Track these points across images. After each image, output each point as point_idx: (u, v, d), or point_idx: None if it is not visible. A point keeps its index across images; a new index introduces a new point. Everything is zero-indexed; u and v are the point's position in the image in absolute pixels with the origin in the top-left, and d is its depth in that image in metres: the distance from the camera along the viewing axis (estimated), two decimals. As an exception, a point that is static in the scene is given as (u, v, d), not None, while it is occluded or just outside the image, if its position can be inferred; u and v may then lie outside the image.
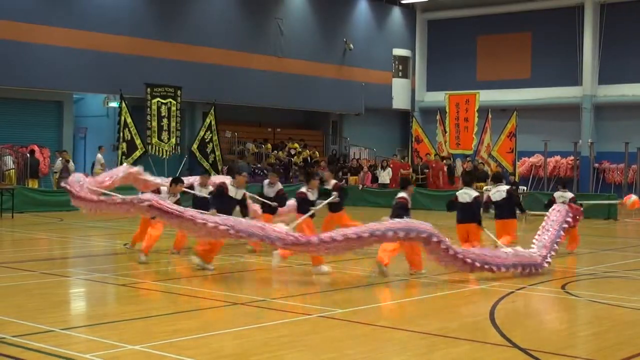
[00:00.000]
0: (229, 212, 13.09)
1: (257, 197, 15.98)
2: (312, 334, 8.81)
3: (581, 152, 34.76)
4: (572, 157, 35.06)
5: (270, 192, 16.03)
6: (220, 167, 31.56)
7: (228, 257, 14.77)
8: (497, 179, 16.03)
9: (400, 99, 41.30)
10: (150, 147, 28.71)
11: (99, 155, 28.66)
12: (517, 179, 28.78)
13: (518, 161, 31.41)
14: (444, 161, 31.65)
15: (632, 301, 10.93)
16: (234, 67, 33.62)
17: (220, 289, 11.55)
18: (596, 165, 35.65)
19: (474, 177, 15.84)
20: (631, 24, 36.58)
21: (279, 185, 16.29)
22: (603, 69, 37.33)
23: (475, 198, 14.05)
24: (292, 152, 36.13)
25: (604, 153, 36.15)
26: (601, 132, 36.66)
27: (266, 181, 16.62)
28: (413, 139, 33.66)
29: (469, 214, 14.02)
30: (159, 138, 29.00)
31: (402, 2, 41.12)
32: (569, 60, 37.72)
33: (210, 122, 30.95)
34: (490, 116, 30.67)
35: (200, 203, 14.43)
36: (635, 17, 36.56)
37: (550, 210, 14.86)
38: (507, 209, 15.16)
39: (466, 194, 14.18)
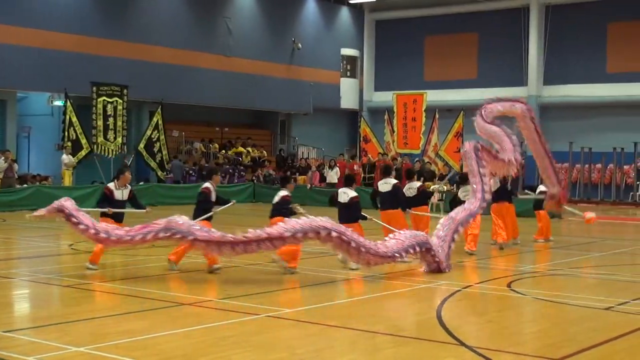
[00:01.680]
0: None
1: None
2: (261, 333, 8.78)
3: (526, 152, 35.18)
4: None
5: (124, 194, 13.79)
6: (167, 167, 31.36)
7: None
8: (410, 175, 16.92)
9: (348, 99, 41.42)
10: (95, 146, 28.40)
11: (64, 156, 27.96)
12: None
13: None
14: (392, 161, 31.81)
15: (576, 298, 11.09)
16: (181, 66, 33.40)
17: (166, 290, 11.45)
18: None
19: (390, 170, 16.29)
20: (575, 25, 37.20)
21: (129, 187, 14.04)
22: (548, 70, 37.90)
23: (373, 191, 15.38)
24: (238, 154, 35.95)
25: (548, 152, 36.60)
26: (546, 131, 36.75)
27: (111, 184, 13.85)
28: (361, 139, 33.77)
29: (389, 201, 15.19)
30: (105, 137, 28.69)
31: (350, 2, 41.25)
32: (515, 61, 38.23)
33: (157, 121, 30.72)
34: (437, 116, 30.90)
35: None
36: (580, 18, 37.18)
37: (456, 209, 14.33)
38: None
39: (386, 184, 15.42)
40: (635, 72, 35.77)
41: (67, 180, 27.71)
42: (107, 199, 13.55)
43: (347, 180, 15.01)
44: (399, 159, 31.91)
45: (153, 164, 30.80)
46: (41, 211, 12.71)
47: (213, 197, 13.55)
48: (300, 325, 9.22)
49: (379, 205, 15.54)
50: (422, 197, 16.14)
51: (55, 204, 12.58)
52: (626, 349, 8.34)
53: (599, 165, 35.58)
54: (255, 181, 33.44)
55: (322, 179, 33.31)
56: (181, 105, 34.01)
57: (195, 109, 35.74)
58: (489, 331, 9.16)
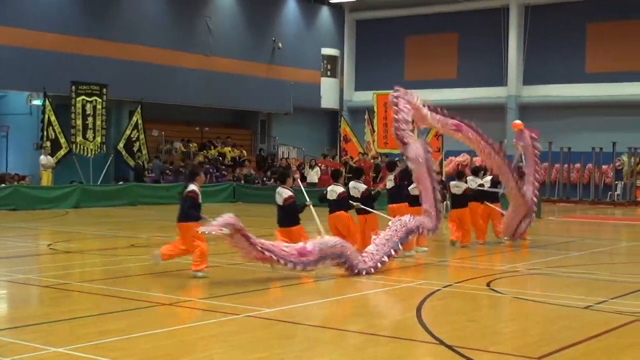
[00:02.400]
0: None
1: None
2: (241, 333, 8.76)
3: (506, 152, 35.30)
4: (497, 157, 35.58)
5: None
6: (147, 166, 31.25)
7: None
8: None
9: (328, 99, 41.44)
10: (74, 146, 28.28)
11: (42, 157, 27.78)
12: (443, 178, 29.11)
13: (445, 160, 31.78)
14: (372, 160, 31.85)
15: (555, 297, 11.14)
16: (161, 65, 33.30)
17: (146, 290, 11.39)
18: (521, 164, 36.24)
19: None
20: (555, 25, 37.43)
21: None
22: (527, 70, 38.10)
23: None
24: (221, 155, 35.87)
25: (528, 152, 36.79)
26: (526, 131, 37.30)
27: (195, 187, 12.84)
28: (341, 139, 33.79)
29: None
30: (84, 137, 28.57)
31: (331, 1, 41.28)
32: (495, 61, 38.40)
33: (137, 120, 30.61)
34: (417, 116, 30.91)
35: None
36: (559, 19, 37.40)
37: (393, 220, 13.89)
38: (396, 197, 16.10)
39: (390, 181, 16.07)
40: (614, 72, 36.05)
41: (46, 180, 27.56)
42: (197, 204, 12.40)
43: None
44: (379, 158, 31.95)
45: (132, 164, 30.68)
46: (219, 228, 11.34)
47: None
48: (281, 325, 9.21)
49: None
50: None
51: (231, 222, 11.41)
52: (605, 347, 8.39)
53: (578, 165, 35.79)
54: (235, 181, 33.39)
55: (303, 178, 33.27)
56: (161, 104, 33.89)
57: (175, 108, 35.64)
58: (469, 330, 9.19)
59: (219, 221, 11.34)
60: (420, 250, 15.60)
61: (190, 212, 12.26)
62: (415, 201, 15.79)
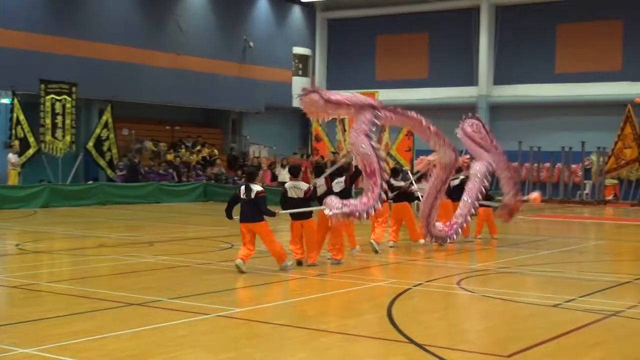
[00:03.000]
0: None
1: None
2: (210, 333, 8.73)
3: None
4: (467, 156, 35.78)
5: None
6: (120, 165, 31.04)
7: (122, 257, 14.53)
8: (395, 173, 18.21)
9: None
10: (43, 145, 28.05)
11: (11, 155, 27.49)
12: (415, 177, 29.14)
13: (415, 159, 31.88)
14: (344, 159, 31.86)
15: (524, 296, 11.22)
16: (132, 64, 33.10)
17: (115, 290, 11.32)
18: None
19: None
20: (525, 26, 37.66)
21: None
22: (498, 70, 38.31)
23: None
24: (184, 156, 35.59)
25: (498, 152, 37.00)
26: (496, 131, 37.31)
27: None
28: (313, 138, 33.79)
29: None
30: (53, 136, 28.34)
31: (302, 0, 41.25)
32: (465, 60, 38.58)
33: (107, 119, 30.40)
34: (388, 115, 30.99)
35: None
36: (529, 20, 37.65)
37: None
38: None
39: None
40: (583, 72, 36.35)
41: (13, 179, 27.29)
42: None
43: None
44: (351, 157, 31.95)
45: (102, 163, 30.48)
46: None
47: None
48: (250, 325, 9.19)
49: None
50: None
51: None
52: (573, 345, 8.46)
53: (547, 164, 36.09)
54: (205, 180, 33.28)
55: (274, 177, 33.24)
56: (131, 103, 33.68)
57: (146, 107, 35.43)
58: (439, 329, 9.22)
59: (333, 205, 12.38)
60: (355, 252, 15.41)
61: (266, 210, 12.86)
62: (397, 197, 16.75)
